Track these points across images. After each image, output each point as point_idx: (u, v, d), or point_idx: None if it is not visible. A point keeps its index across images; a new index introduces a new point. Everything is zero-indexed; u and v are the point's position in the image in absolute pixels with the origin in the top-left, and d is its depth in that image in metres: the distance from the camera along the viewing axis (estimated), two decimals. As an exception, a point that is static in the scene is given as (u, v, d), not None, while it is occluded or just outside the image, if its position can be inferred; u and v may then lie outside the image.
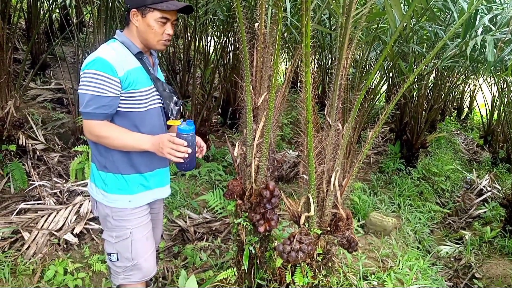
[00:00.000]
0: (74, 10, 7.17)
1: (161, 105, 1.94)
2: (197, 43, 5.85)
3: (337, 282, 2.58)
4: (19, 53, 6.57)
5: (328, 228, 2.34)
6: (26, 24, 6.50)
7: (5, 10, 4.07)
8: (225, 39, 5.80)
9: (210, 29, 6.34)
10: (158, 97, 1.93)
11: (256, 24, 2.30)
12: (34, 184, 3.57)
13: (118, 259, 1.93)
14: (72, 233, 3.05)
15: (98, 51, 1.77)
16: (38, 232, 2.96)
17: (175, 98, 1.98)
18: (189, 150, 1.75)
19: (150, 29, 1.80)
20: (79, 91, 1.74)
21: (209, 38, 6.64)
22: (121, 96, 1.78)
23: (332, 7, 2.33)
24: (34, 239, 2.91)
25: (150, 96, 1.88)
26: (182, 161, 1.76)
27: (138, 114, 1.84)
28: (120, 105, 1.79)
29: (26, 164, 4.01)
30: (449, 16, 3.80)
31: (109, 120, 1.78)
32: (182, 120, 1.82)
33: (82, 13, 6.31)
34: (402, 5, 3.64)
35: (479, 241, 4.53)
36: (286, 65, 10.45)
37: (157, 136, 1.78)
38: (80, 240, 3.09)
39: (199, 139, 1.91)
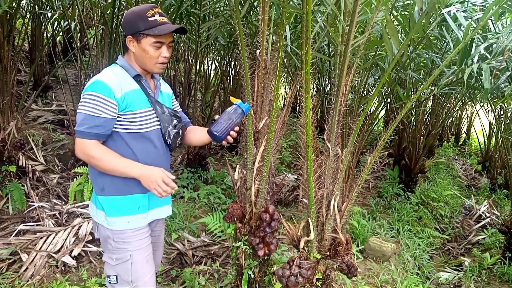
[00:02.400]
0: (79, 34, 7.30)
1: (159, 127, 1.95)
2: (198, 67, 5.95)
3: (336, 308, 2.55)
4: (22, 75, 6.66)
5: (328, 253, 2.34)
6: (30, 47, 6.59)
7: (10, 33, 4.15)
8: (225, 63, 5.90)
9: (211, 53, 6.46)
10: (157, 119, 1.94)
11: (258, 51, 2.36)
12: (33, 205, 3.56)
13: (117, 282, 1.91)
14: (70, 255, 3.03)
15: (98, 74, 1.83)
16: (37, 254, 2.94)
17: (175, 121, 2.00)
18: (174, 189, 1.80)
19: (146, 53, 1.85)
20: (77, 111, 1.79)
21: (210, 62, 6.75)
22: (118, 117, 1.81)
23: (331, 35, 2.39)
24: (32, 261, 2.89)
25: (148, 118, 1.90)
26: (164, 196, 1.79)
27: (132, 135, 1.86)
28: (116, 126, 1.82)
29: (25, 185, 4.02)
30: (445, 43, 3.89)
31: (101, 142, 1.80)
32: (244, 102, 2.02)
33: (86, 36, 6.43)
34: (399, 33, 3.74)
35: (479, 268, 4.49)
36: (286, 89, 10.57)
37: (149, 169, 1.80)
38: (78, 262, 3.07)
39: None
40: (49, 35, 6.37)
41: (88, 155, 1.76)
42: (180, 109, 2.21)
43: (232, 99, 2.04)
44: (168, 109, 1.99)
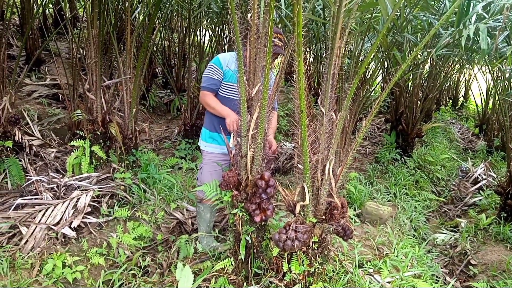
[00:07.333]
0: (68, 5, 7.13)
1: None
2: (191, 37, 5.85)
3: (333, 270, 2.60)
4: (13, 49, 6.53)
5: (323, 217, 2.37)
6: (20, 20, 6.44)
7: (-2, 6, 4.05)
8: (219, 31, 5.80)
9: (205, 22, 6.33)
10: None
11: (249, 15, 2.30)
12: (31, 179, 3.57)
13: (198, 179, 3.17)
14: (70, 227, 3.06)
15: (221, 54, 3.01)
16: (36, 226, 2.97)
17: None
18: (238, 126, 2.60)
19: None
20: (202, 75, 2.96)
21: (204, 31, 6.63)
22: (221, 83, 2.88)
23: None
24: (32, 234, 2.92)
25: (234, 90, 2.86)
26: (231, 128, 2.66)
27: (223, 97, 2.91)
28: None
29: (22, 160, 4.01)
30: (443, 5, 3.81)
31: (214, 94, 2.92)
32: None
33: (76, 7, 6.28)
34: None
35: (475, 229, 4.56)
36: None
37: (233, 113, 2.73)
38: (78, 233, 3.10)
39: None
40: (38, 7, 6.21)
41: (205, 101, 2.91)
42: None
43: None
44: None
